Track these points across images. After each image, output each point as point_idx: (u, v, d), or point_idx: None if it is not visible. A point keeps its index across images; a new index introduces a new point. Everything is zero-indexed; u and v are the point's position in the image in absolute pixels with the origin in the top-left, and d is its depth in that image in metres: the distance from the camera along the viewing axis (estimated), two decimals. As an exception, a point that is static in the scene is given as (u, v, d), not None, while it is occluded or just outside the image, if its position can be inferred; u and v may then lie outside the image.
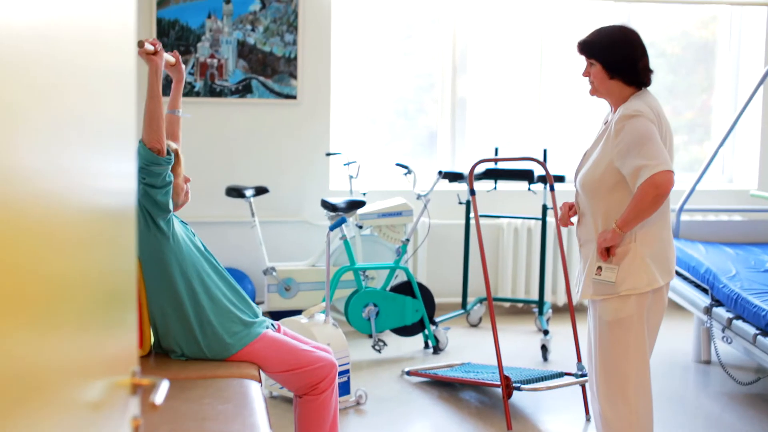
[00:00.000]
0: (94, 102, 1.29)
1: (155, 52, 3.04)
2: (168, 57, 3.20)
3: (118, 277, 1.45)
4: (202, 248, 3.22)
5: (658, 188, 2.90)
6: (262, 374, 3.20)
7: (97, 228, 1.32)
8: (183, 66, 3.37)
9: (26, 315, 0.99)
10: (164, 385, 1.44)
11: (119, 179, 1.44)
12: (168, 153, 3.00)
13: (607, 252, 3.05)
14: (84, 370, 1.25)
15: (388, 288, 5.15)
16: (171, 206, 3.06)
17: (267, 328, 3.24)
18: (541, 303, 5.54)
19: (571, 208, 3.25)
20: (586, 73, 3.14)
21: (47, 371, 1.08)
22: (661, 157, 2.92)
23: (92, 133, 1.28)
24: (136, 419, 1.46)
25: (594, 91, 3.14)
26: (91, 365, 1.28)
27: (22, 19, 0.95)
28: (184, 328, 3.10)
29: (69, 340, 1.18)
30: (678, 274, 4.94)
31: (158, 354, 3.20)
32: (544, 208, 5.42)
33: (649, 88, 3.13)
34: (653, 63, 3.15)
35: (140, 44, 3.00)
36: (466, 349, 5.26)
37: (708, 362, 5.02)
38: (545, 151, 5.41)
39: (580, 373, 4.26)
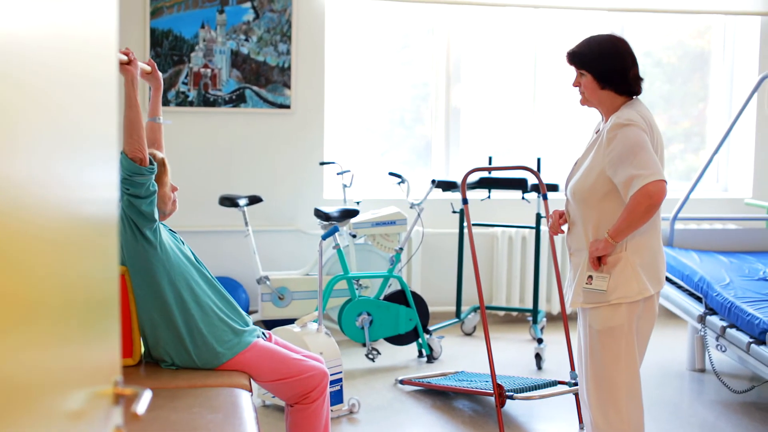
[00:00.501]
0: (77, 110, 1.29)
1: (129, 62, 3.03)
2: (143, 65, 3.20)
3: (101, 286, 1.45)
4: (192, 257, 3.21)
5: (650, 198, 2.89)
6: (255, 383, 3.19)
7: (79, 236, 1.31)
8: (160, 73, 3.36)
9: (5, 323, 0.98)
10: (147, 395, 1.43)
11: (101, 188, 1.44)
12: (151, 162, 2.99)
13: (598, 261, 3.04)
14: (65, 379, 1.24)
15: (381, 297, 5.14)
16: (157, 216, 3.04)
17: (258, 336, 3.23)
18: (535, 312, 5.54)
19: (561, 217, 3.24)
20: (576, 84, 3.12)
21: (26, 380, 1.07)
22: (653, 166, 2.90)
23: (74, 141, 1.27)
24: (118, 429, 1.46)
25: (585, 101, 3.13)
26: (72, 374, 1.28)
27: (5, 27, 0.95)
28: (173, 337, 3.09)
29: (49, 349, 1.18)
30: (672, 282, 4.94)
31: (149, 363, 3.19)
32: (538, 217, 5.42)
33: (642, 97, 3.13)
34: (649, 72, 3.16)
35: None
36: (460, 357, 5.25)
37: (702, 371, 5.02)
38: (539, 159, 5.41)
39: (573, 381, 4.25)
